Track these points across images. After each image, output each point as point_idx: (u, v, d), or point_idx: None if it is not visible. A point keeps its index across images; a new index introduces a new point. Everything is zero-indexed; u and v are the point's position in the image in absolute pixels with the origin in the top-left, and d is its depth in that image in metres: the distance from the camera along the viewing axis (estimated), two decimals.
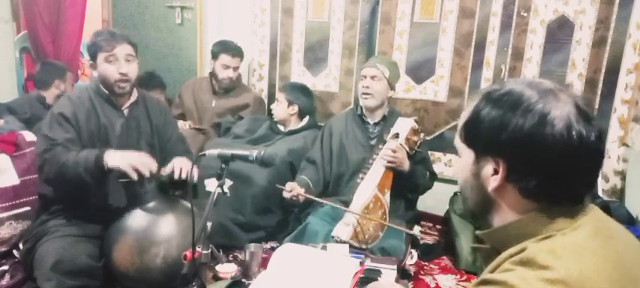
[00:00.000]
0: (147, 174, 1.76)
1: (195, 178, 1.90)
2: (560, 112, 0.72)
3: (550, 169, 0.73)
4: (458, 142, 0.85)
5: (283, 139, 2.74)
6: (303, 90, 2.88)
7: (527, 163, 0.74)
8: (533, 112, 0.72)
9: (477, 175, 0.81)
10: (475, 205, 0.85)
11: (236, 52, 3.01)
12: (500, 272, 0.72)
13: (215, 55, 3.01)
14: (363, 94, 2.37)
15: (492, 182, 0.78)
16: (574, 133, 0.71)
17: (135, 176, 1.75)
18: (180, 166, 1.88)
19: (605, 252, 0.71)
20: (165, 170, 1.93)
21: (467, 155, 0.82)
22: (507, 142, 0.74)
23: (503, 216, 0.80)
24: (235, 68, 3.01)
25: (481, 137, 0.78)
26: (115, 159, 1.76)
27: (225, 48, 3.01)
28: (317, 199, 2.24)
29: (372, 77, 2.35)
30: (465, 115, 0.83)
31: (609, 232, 0.76)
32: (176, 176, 1.87)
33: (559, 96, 0.74)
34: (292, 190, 2.20)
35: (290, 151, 2.60)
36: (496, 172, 0.77)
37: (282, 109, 2.80)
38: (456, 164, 0.88)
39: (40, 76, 2.95)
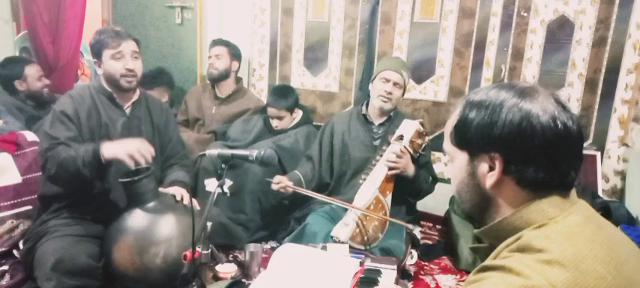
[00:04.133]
0: (143, 162, 1.76)
1: (197, 206, 1.95)
2: (543, 106, 0.77)
3: (543, 156, 0.77)
4: (449, 146, 0.88)
5: (271, 138, 2.75)
6: (290, 93, 2.85)
7: (522, 152, 0.78)
8: (519, 108, 0.77)
9: (473, 174, 0.83)
10: (473, 206, 0.87)
11: (218, 42, 3.04)
12: (499, 259, 0.76)
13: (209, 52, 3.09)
14: (383, 97, 2.31)
15: (490, 178, 0.81)
16: (559, 122, 0.77)
17: (132, 164, 1.74)
18: (180, 194, 1.93)
19: (596, 236, 0.75)
20: (164, 190, 1.96)
21: (460, 157, 0.85)
22: (500, 136, 0.78)
23: (500, 213, 0.83)
24: (218, 56, 3.00)
25: (473, 137, 0.81)
26: (111, 149, 1.76)
27: (212, 41, 3.09)
28: (305, 191, 2.24)
29: (395, 84, 2.31)
30: (451, 121, 0.87)
31: (598, 221, 0.80)
32: (178, 199, 1.92)
33: (538, 91, 0.80)
34: (280, 182, 2.20)
35: (277, 145, 2.60)
36: (492, 168, 0.81)
37: (289, 119, 2.82)
38: (449, 169, 0.89)
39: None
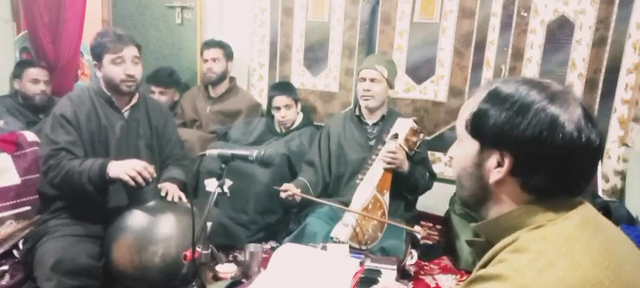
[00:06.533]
0: (144, 184, 1.79)
1: (185, 201, 1.95)
2: (570, 116, 0.74)
3: (556, 166, 0.75)
4: (461, 130, 0.85)
5: (279, 140, 2.75)
6: (291, 84, 2.99)
7: (534, 160, 0.75)
8: (545, 114, 0.74)
9: (480, 165, 0.81)
10: (471, 195, 0.85)
11: (213, 44, 3.05)
12: (495, 264, 0.74)
13: (201, 54, 3.10)
14: (364, 96, 2.36)
15: (495, 174, 0.79)
16: (583, 135, 0.74)
17: (134, 185, 1.77)
18: (171, 193, 1.95)
19: (594, 240, 0.73)
20: (159, 187, 1.98)
21: (470, 145, 0.82)
22: (517, 139, 0.75)
23: (498, 208, 0.82)
24: (215, 59, 3.01)
25: (489, 130, 0.78)
26: (116, 169, 1.78)
27: (205, 43, 3.09)
28: (314, 199, 2.23)
29: (372, 80, 2.34)
30: (470, 107, 0.83)
31: (598, 224, 0.78)
32: (169, 198, 1.94)
33: (568, 99, 0.76)
34: (288, 190, 2.19)
35: (287, 147, 2.62)
36: (500, 164, 0.78)
37: (295, 111, 2.81)
38: (454, 150, 0.87)
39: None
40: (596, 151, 0.76)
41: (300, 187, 2.25)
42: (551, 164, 0.75)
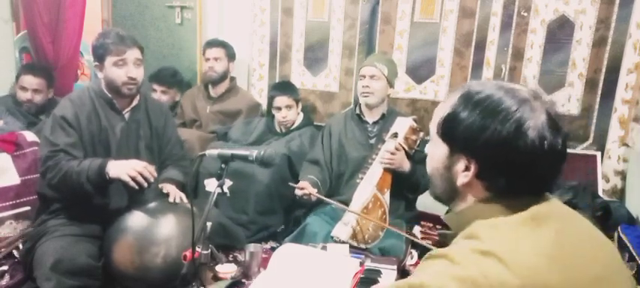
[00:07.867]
0: (145, 185, 1.78)
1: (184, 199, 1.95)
2: (534, 122, 0.77)
3: (519, 171, 0.79)
4: (433, 133, 0.89)
5: (279, 140, 2.75)
6: (293, 84, 2.96)
7: (498, 166, 0.80)
8: (510, 121, 0.77)
9: (449, 168, 0.86)
10: (442, 193, 0.91)
11: (215, 44, 3.05)
12: (447, 247, 0.79)
13: (204, 53, 3.10)
14: (363, 93, 2.37)
15: (462, 178, 0.83)
16: (545, 142, 0.77)
17: (135, 186, 1.76)
18: (173, 194, 1.95)
19: (547, 233, 0.76)
20: (159, 186, 1.98)
21: (441, 148, 0.87)
22: (483, 146, 0.79)
23: (466, 204, 0.86)
24: (216, 58, 3.01)
25: (458, 136, 0.83)
26: (116, 170, 1.77)
27: (207, 42, 3.10)
28: (328, 199, 2.21)
29: (371, 77, 2.35)
30: (442, 110, 0.87)
31: (555, 219, 0.80)
32: (170, 199, 1.94)
33: (534, 105, 0.79)
34: (304, 188, 2.17)
35: (288, 147, 2.62)
36: (467, 169, 0.83)
37: (295, 112, 2.81)
38: (428, 149, 0.92)
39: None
40: (559, 154, 0.80)
41: (314, 187, 2.23)
42: (514, 170, 0.79)
